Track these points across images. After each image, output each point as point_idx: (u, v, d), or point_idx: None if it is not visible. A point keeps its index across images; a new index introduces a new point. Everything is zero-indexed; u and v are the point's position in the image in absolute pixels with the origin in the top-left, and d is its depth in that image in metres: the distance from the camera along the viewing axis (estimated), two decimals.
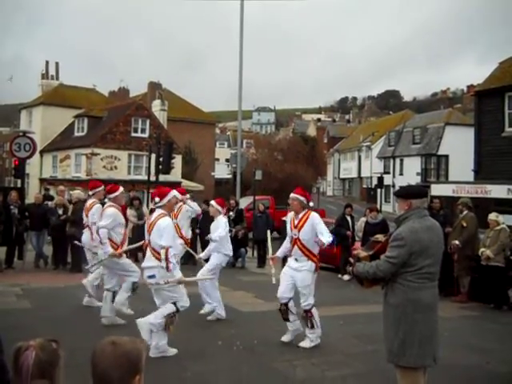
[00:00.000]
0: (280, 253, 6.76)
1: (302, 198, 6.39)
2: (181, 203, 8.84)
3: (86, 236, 8.69)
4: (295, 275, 6.36)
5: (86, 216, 8.55)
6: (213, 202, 7.95)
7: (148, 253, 5.95)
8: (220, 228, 7.63)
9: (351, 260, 4.29)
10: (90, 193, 8.64)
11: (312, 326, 6.34)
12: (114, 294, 7.20)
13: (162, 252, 5.64)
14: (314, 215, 6.41)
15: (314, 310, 6.37)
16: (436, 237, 3.92)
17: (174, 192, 6.45)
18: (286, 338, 6.51)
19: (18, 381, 1.68)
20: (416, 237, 3.78)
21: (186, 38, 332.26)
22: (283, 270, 6.59)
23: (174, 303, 5.84)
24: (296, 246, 6.38)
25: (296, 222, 6.38)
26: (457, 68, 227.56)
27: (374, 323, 7.69)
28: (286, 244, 6.63)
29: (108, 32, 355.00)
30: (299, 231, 6.31)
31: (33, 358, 1.67)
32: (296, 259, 6.40)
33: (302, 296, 6.36)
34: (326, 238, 6.09)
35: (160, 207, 5.99)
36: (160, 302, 5.92)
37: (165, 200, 6.00)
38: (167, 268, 5.64)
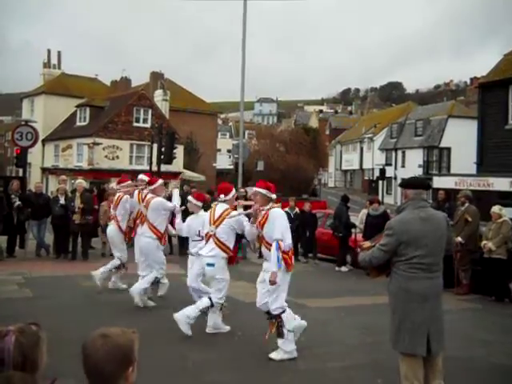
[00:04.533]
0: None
1: (264, 192, 5.67)
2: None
3: (112, 228, 8.83)
4: (266, 276, 5.51)
5: (114, 209, 8.77)
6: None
7: (211, 243, 6.26)
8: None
9: (358, 250, 4.37)
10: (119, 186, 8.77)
11: (281, 335, 5.41)
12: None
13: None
14: (274, 213, 5.57)
15: (284, 315, 5.46)
16: (431, 228, 3.92)
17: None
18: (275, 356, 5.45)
19: (1, 367, 1.66)
20: (404, 227, 3.88)
21: (194, 29, 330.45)
22: (259, 277, 5.82)
23: (210, 298, 6.23)
24: (263, 245, 5.70)
25: (259, 218, 5.62)
26: (477, 60, 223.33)
27: (375, 314, 7.71)
28: None
29: (114, 20, 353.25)
30: (262, 228, 5.60)
31: (12, 342, 1.66)
32: (266, 259, 5.67)
33: (269, 297, 5.52)
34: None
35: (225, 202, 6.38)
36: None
37: (230, 195, 6.43)
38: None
